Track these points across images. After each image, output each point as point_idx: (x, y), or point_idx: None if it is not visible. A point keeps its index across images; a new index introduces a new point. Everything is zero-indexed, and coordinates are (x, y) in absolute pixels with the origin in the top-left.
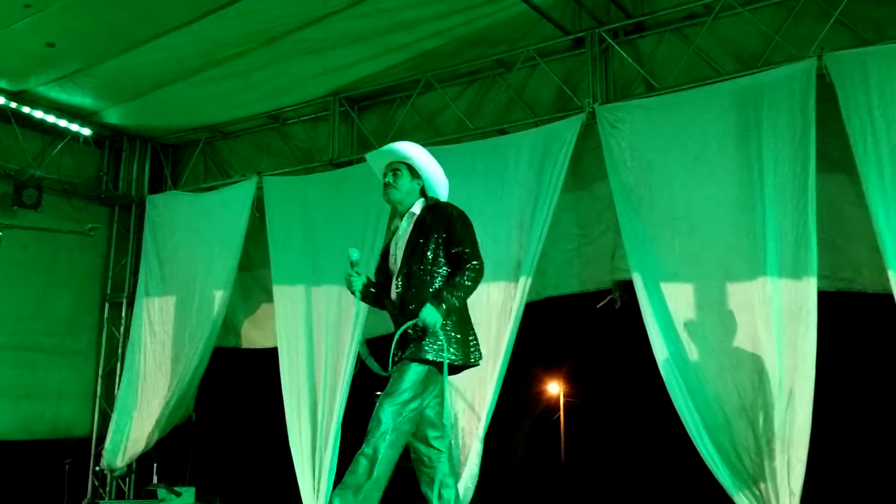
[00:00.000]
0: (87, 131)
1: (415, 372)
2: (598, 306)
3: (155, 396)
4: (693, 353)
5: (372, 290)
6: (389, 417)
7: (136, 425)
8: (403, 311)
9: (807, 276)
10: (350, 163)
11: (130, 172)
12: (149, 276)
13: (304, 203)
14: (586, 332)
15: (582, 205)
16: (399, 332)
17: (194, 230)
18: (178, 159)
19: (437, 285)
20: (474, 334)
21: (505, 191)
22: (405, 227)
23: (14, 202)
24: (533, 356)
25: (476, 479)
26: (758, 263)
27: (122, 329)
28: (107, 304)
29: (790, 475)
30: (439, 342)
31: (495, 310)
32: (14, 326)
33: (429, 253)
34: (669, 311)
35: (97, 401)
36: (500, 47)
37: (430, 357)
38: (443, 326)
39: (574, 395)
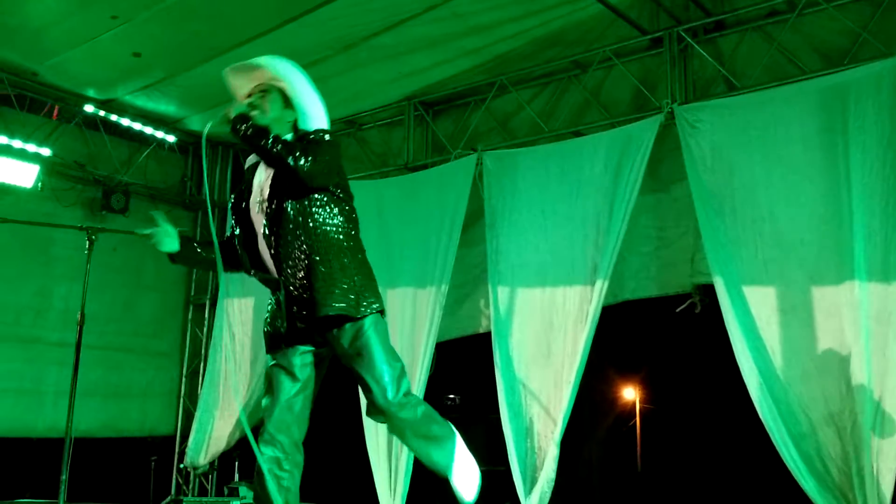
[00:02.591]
0: (171, 138)
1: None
2: (677, 311)
3: (236, 396)
4: (777, 359)
5: (198, 248)
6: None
7: (218, 424)
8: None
9: None
10: (425, 166)
11: (213, 178)
12: (230, 278)
13: (379, 207)
14: (664, 337)
15: (660, 207)
16: None
17: None
18: None
19: (341, 237)
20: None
21: (581, 193)
22: (265, 173)
23: (103, 207)
24: (609, 361)
25: (552, 483)
26: (845, 267)
27: (204, 330)
28: (190, 306)
29: (880, 484)
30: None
31: (572, 313)
32: (103, 327)
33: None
34: (753, 315)
35: (181, 400)
36: (575, 48)
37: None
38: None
39: (650, 401)
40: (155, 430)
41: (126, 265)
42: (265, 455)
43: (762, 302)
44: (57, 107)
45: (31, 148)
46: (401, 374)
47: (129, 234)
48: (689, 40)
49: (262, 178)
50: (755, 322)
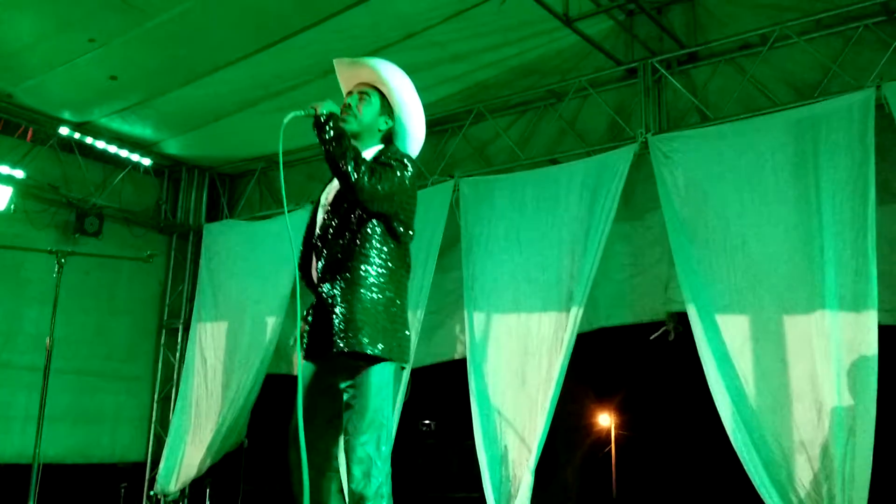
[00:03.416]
0: (147, 161)
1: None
2: (651, 338)
3: (207, 422)
4: (750, 386)
5: None
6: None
7: (189, 451)
8: (319, 295)
9: (867, 309)
10: None
11: (188, 201)
12: (202, 302)
13: None
14: (639, 363)
15: (634, 235)
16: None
17: (249, 258)
18: (235, 188)
19: (377, 274)
20: (401, 328)
21: (556, 220)
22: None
23: (76, 230)
24: (585, 387)
25: None
26: (816, 296)
27: (177, 354)
28: (163, 330)
29: None
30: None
31: (546, 340)
32: (75, 351)
33: (353, 217)
34: (725, 343)
35: (152, 426)
36: (551, 78)
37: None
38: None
39: (626, 427)
40: (125, 457)
41: (99, 288)
42: None
43: (734, 330)
44: (31, 129)
45: (5, 170)
46: (382, 461)
47: (101, 258)
48: (663, 71)
49: (335, 182)
50: (728, 350)
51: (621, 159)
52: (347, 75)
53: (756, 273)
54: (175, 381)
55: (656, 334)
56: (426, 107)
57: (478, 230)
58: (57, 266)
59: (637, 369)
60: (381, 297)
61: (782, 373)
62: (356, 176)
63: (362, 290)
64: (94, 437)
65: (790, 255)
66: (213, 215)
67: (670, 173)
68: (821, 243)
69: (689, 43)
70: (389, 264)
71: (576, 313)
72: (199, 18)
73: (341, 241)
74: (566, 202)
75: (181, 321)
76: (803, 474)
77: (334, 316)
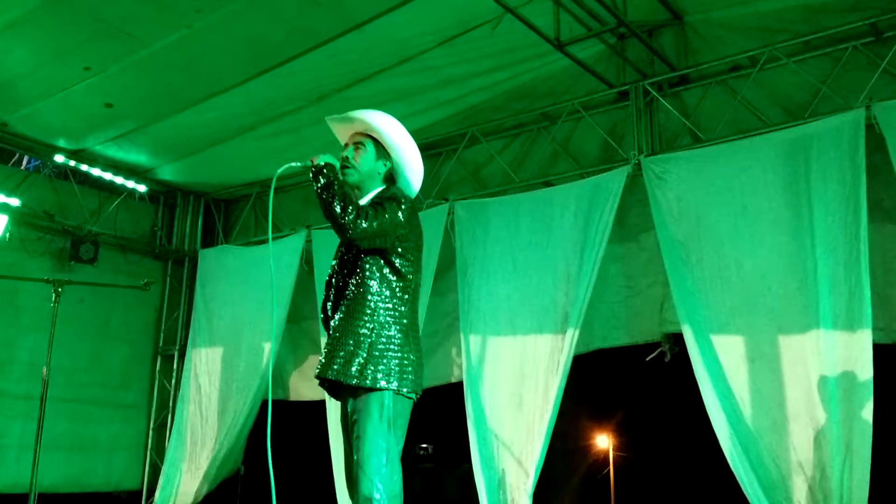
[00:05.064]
0: (142, 188)
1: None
2: (647, 359)
3: (203, 449)
4: (746, 407)
5: None
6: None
7: (185, 478)
8: (328, 321)
9: (861, 329)
10: None
11: (184, 227)
12: (198, 328)
13: None
14: (636, 385)
15: (629, 256)
16: None
17: (244, 283)
18: (230, 214)
19: (372, 306)
20: (401, 357)
21: (551, 242)
22: None
23: (71, 257)
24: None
25: None
26: (810, 315)
27: (173, 381)
28: (159, 357)
29: None
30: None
31: (542, 362)
32: (69, 379)
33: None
34: (721, 364)
35: (148, 453)
36: (544, 101)
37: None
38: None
39: (624, 449)
40: (121, 485)
41: (94, 316)
42: None
43: (730, 350)
44: (26, 157)
45: (0, 198)
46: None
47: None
48: (655, 94)
49: None
50: (723, 371)
51: (614, 181)
52: (341, 130)
53: (750, 293)
54: (171, 407)
55: (652, 355)
56: (420, 130)
57: (473, 253)
58: (53, 295)
59: (634, 390)
60: (375, 326)
61: (778, 393)
62: (345, 218)
63: (357, 322)
64: (90, 465)
65: (784, 275)
66: (209, 241)
67: (664, 194)
68: (814, 263)
69: (679, 65)
70: (388, 295)
71: (572, 335)
72: (194, 46)
73: (344, 279)
74: (560, 224)
75: (177, 347)
76: (801, 495)
77: (332, 347)
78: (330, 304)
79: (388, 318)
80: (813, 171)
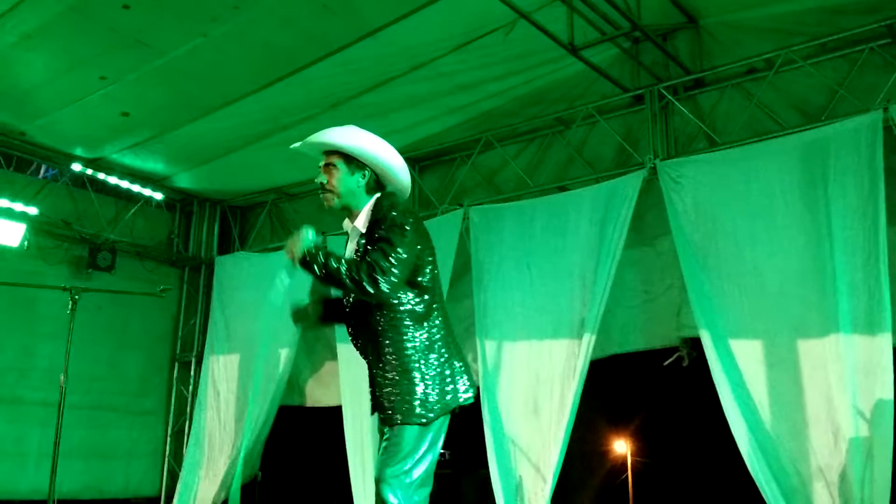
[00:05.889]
0: (159, 196)
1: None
2: (664, 364)
3: (220, 455)
4: (766, 412)
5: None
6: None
7: (202, 484)
8: (357, 347)
9: (881, 333)
10: None
11: (200, 234)
12: (215, 335)
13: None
14: (653, 390)
15: (645, 261)
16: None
17: (260, 290)
18: (246, 221)
19: (386, 324)
20: (452, 367)
21: (566, 247)
22: (350, 250)
23: (89, 265)
24: (599, 415)
25: None
26: (829, 319)
27: (190, 388)
28: (176, 364)
29: None
30: (416, 400)
31: (559, 368)
32: (88, 386)
33: None
34: (740, 369)
35: (166, 460)
36: (558, 106)
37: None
38: (407, 367)
39: (642, 454)
40: (139, 492)
41: (111, 323)
42: None
43: (749, 355)
44: (43, 166)
45: (18, 207)
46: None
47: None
48: (670, 98)
49: (349, 252)
50: (742, 376)
51: (630, 185)
52: (312, 153)
53: (768, 298)
54: (188, 414)
55: (670, 360)
56: (434, 136)
57: (488, 258)
58: (71, 303)
59: (652, 395)
60: (419, 355)
61: (798, 398)
62: (367, 289)
63: (400, 358)
64: (108, 472)
65: (802, 280)
66: (225, 248)
67: (680, 199)
68: (832, 267)
69: (694, 69)
70: (419, 313)
71: (588, 340)
72: (209, 55)
73: (360, 317)
74: (576, 229)
75: (194, 354)
76: (822, 500)
77: (376, 384)
78: (350, 318)
79: (416, 350)
80: (830, 174)
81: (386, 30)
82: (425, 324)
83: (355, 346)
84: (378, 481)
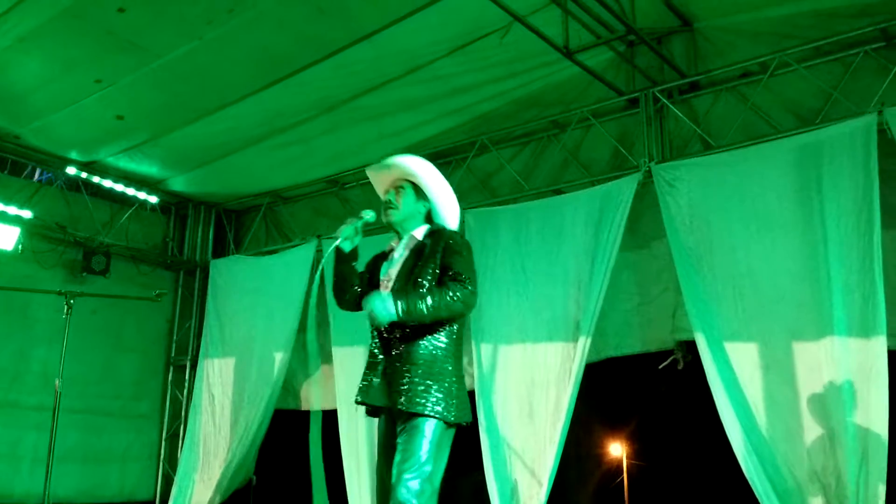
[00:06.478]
0: (153, 199)
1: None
2: (660, 367)
3: (215, 459)
4: (761, 415)
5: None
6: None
7: (197, 488)
8: (390, 341)
9: (876, 335)
10: None
11: (195, 238)
12: (210, 338)
13: (362, 265)
14: (649, 393)
15: (640, 264)
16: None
17: (255, 293)
18: (241, 224)
19: (438, 337)
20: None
21: (562, 250)
22: (402, 251)
23: (83, 269)
24: (594, 418)
25: None
26: (824, 322)
27: (185, 392)
28: (171, 367)
29: None
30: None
31: (554, 371)
32: (82, 390)
33: (424, 281)
34: (735, 371)
35: (161, 464)
36: (554, 109)
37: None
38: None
39: (637, 457)
40: (134, 496)
41: (106, 327)
42: None
43: (743, 358)
44: (38, 169)
45: (12, 210)
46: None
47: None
48: (665, 101)
49: (394, 268)
50: (737, 378)
51: (625, 188)
52: (379, 179)
53: (763, 300)
54: (183, 418)
55: (665, 363)
56: (429, 139)
57: (483, 261)
58: (66, 307)
59: (648, 398)
60: (446, 358)
61: (792, 400)
62: (457, 311)
63: (422, 364)
64: (103, 476)
65: (797, 282)
66: (220, 251)
67: (675, 202)
68: (827, 269)
69: (689, 72)
70: (446, 339)
71: (583, 343)
72: (204, 58)
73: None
74: (571, 232)
75: (188, 358)
76: (816, 503)
77: (403, 376)
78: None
79: (448, 354)
80: (825, 177)
81: (381, 33)
82: (455, 329)
83: (381, 334)
84: (395, 486)
